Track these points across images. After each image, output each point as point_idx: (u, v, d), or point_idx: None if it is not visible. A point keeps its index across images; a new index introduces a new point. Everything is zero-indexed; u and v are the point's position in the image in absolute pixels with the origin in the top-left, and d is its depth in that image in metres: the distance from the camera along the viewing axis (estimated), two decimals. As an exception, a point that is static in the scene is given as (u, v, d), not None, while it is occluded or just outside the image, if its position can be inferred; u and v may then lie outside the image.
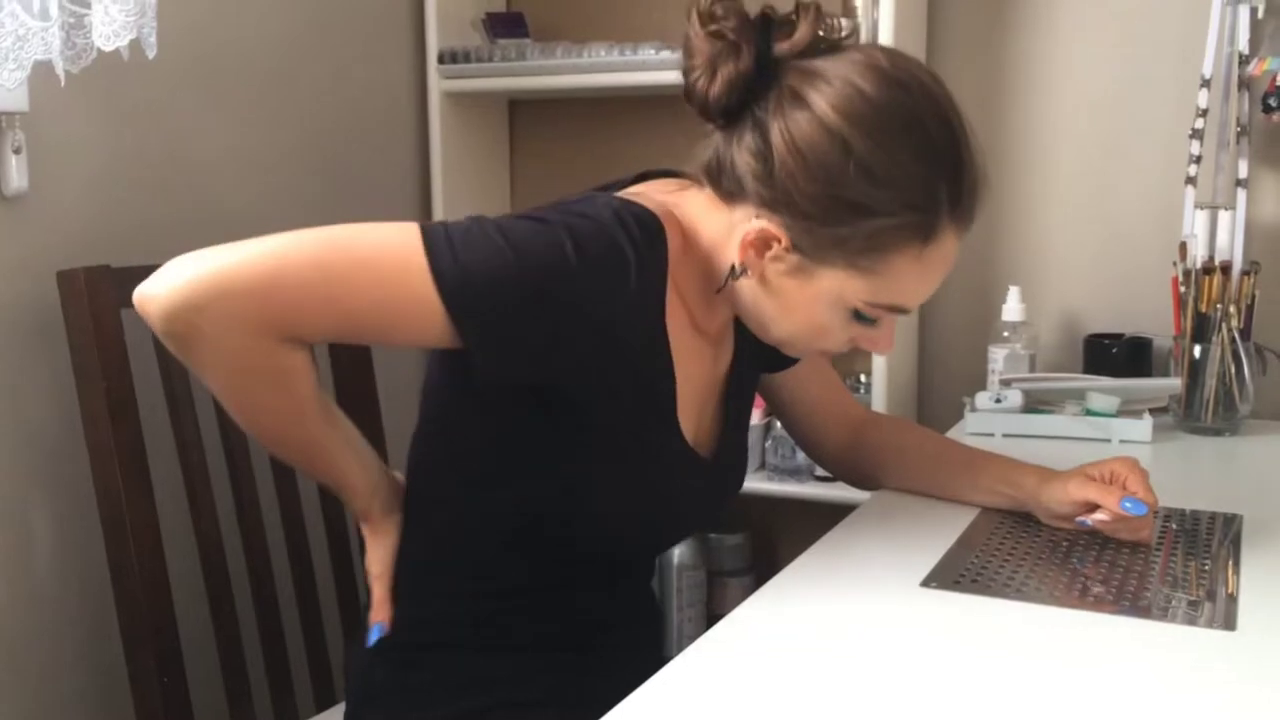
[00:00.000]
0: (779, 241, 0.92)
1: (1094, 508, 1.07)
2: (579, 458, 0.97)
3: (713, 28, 0.92)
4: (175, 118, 1.50)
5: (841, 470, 1.28)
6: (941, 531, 1.11)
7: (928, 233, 0.91)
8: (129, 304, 1.20)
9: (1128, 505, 1.04)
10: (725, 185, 0.95)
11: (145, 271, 1.23)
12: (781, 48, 0.92)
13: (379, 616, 1.02)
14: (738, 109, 0.93)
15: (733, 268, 0.95)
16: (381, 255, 0.87)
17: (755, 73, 0.91)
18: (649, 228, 0.92)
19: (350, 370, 1.48)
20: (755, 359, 1.13)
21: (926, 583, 0.98)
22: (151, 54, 1.24)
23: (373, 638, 1.02)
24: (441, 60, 1.93)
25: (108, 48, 1.19)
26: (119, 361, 1.20)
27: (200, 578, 1.28)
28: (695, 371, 1.03)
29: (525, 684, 1.03)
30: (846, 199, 0.89)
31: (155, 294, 0.86)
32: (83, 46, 1.24)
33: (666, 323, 0.96)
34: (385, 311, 0.88)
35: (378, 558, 1.03)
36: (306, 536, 1.41)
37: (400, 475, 1.07)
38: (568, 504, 0.98)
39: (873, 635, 0.88)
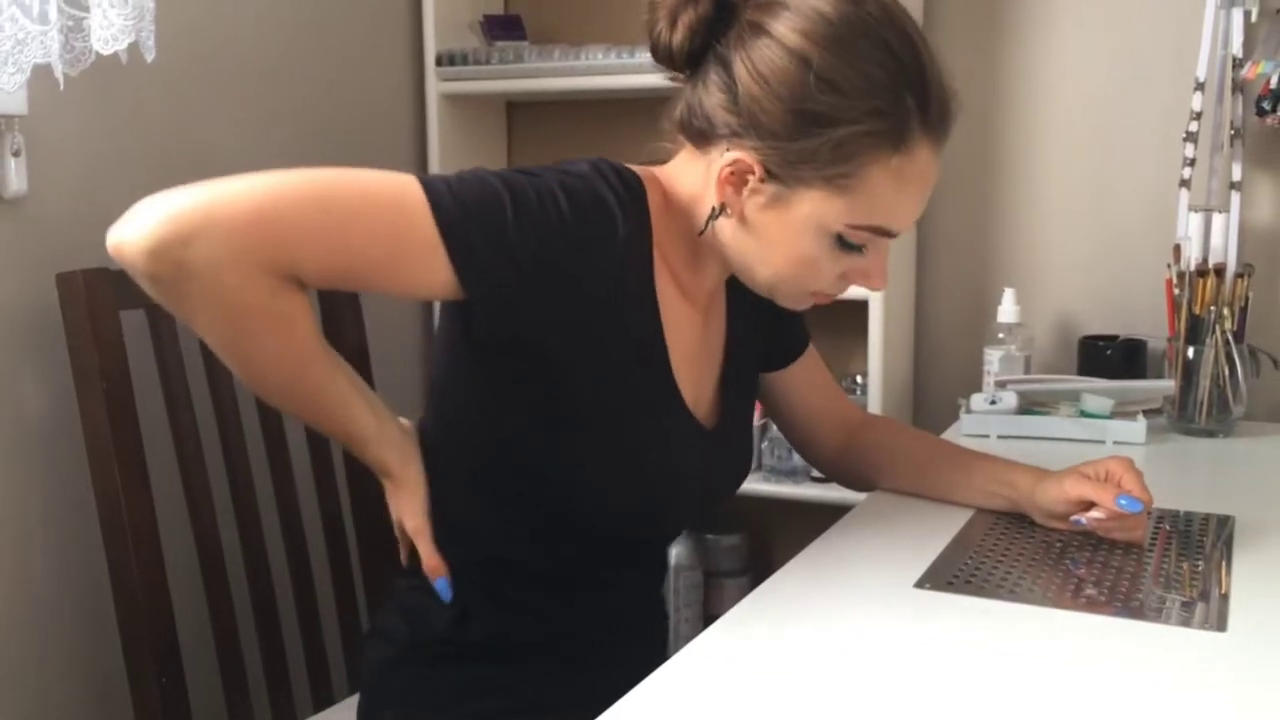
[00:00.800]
0: (753, 173, 0.93)
1: (1089, 506, 1.07)
2: (578, 424, 0.96)
3: None
4: (174, 120, 1.50)
5: (837, 473, 1.29)
6: (936, 532, 1.11)
7: (897, 140, 0.90)
8: (128, 305, 1.23)
9: (1123, 503, 1.05)
10: (697, 127, 0.96)
11: (144, 273, 1.25)
12: None
13: (436, 571, 1.00)
14: (701, 52, 0.95)
15: (714, 209, 0.96)
16: (379, 188, 0.88)
17: (715, 14, 0.94)
18: (628, 180, 0.95)
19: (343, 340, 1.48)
20: (753, 348, 1.13)
21: (920, 584, 0.99)
22: (150, 57, 1.24)
23: (445, 594, 1.00)
24: (439, 62, 1.94)
25: (106, 51, 1.19)
26: (118, 363, 1.20)
27: (199, 578, 1.29)
28: (686, 337, 1.03)
29: (536, 690, 1.04)
30: (810, 111, 0.89)
31: (133, 235, 0.83)
32: (81, 50, 1.25)
33: (658, 291, 0.97)
34: (384, 246, 0.87)
35: (410, 510, 1.00)
36: (305, 537, 1.42)
37: (408, 422, 1.05)
38: (569, 476, 0.98)
39: (866, 636, 0.89)
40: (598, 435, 0.97)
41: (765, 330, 1.17)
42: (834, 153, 0.90)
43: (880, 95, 0.89)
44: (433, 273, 0.88)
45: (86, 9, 1.21)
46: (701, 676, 0.82)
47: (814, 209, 0.93)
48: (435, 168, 1.97)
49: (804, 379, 1.23)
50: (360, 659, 1.13)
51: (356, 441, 0.99)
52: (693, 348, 1.05)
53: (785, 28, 0.90)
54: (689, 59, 0.96)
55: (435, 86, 1.95)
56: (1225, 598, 0.95)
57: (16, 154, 1.28)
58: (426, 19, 1.94)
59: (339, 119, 1.81)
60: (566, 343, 0.94)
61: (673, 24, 0.94)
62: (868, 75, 0.89)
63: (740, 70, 0.92)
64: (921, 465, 1.22)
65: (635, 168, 0.99)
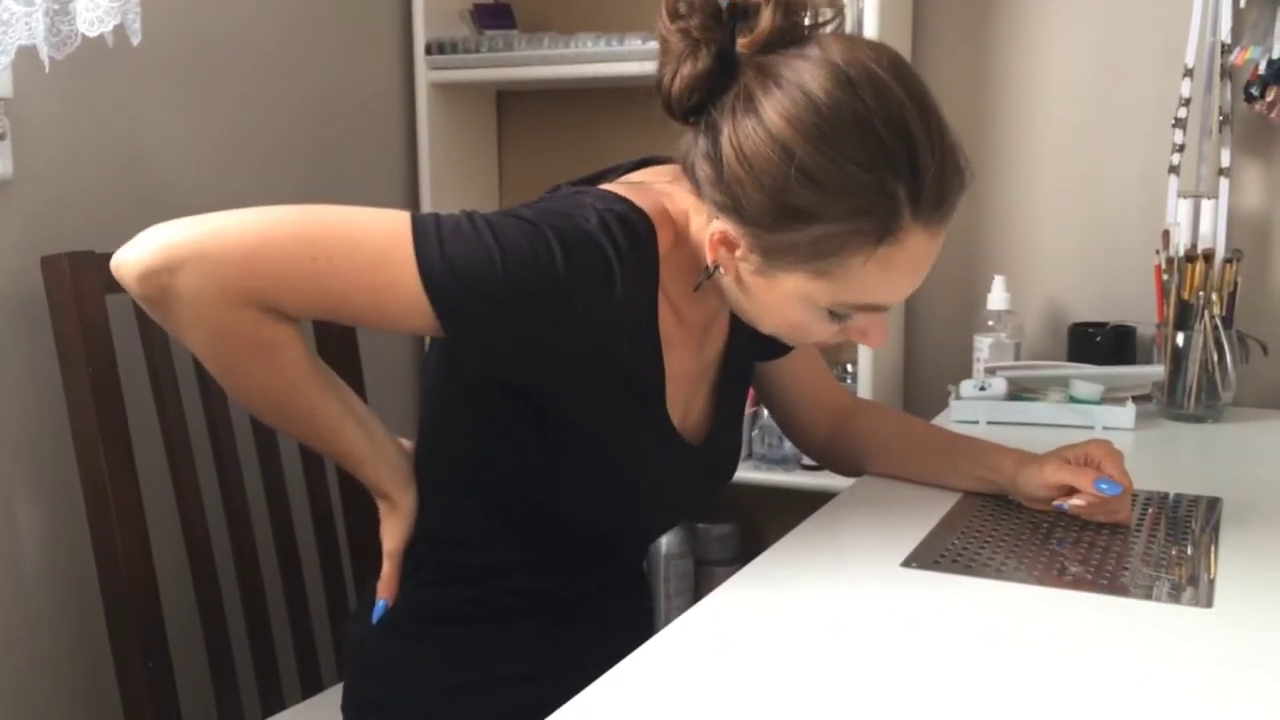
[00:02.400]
0: (738, 245, 0.92)
1: (1071, 491, 1.08)
2: (566, 452, 0.98)
3: (679, 25, 0.90)
4: (161, 104, 1.50)
5: (826, 458, 1.29)
6: (923, 514, 1.11)
7: (883, 233, 0.87)
8: (114, 290, 1.21)
9: (1103, 486, 1.05)
10: (695, 177, 0.94)
11: (130, 258, 1.24)
12: (743, 43, 0.90)
13: (385, 593, 1.02)
14: (699, 108, 0.91)
15: (706, 269, 0.95)
16: (367, 237, 0.87)
17: (716, 71, 0.90)
18: (635, 230, 0.91)
19: (336, 362, 1.48)
20: (751, 345, 1.13)
21: (907, 563, 0.99)
22: (136, 40, 1.24)
23: (377, 614, 1.02)
24: (429, 51, 1.93)
25: (92, 33, 1.19)
26: (103, 347, 1.20)
27: (186, 564, 1.29)
28: (683, 366, 1.03)
29: (520, 658, 1.04)
30: (791, 206, 0.86)
31: (129, 257, 0.86)
32: (67, 33, 1.24)
33: (660, 323, 0.97)
34: (368, 295, 0.87)
35: (392, 534, 1.02)
36: (293, 523, 1.41)
37: (409, 443, 1.06)
38: (555, 496, 0.99)
39: (852, 613, 0.89)
40: (585, 462, 0.98)
41: None
42: (813, 248, 0.88)
43: (864, 193, 0.86)
44: (417, 320, 0.88)
45: (71, -8, 1.20)
46: (685, 654, 0.82)
47: (797, 287, 0.91)
48: (425, 157, 1.97)
49: (800, 365, 1.24)
50: (343, 640, 1.13)
51: (351, 462, 1.00)
52: (690, 370, 1.05)
53: (773, 111, 0.86)
54: (687, 113, 0.92)
55: (425, 75, 1.95)
56: (1211, 577, 0.95)
57: (2, 137, 1.27)
58: (416, 7, 1.93)
59: (328, 107, 1.80)
60: (557, 386, 0.94)
61: (674, 75, 0.91)
62: (851, 173, 0.85)
63: (726, 146, 0.88)
64: (908, 450, 1.22)
65: (648, 202, 0.95)
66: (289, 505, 1.41)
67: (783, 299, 0.93)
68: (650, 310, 0.96)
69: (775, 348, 1.18)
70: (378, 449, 1.01)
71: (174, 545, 1.29)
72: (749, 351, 1.14)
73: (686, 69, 0.90)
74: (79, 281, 1.18)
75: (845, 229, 0.87)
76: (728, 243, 0.93)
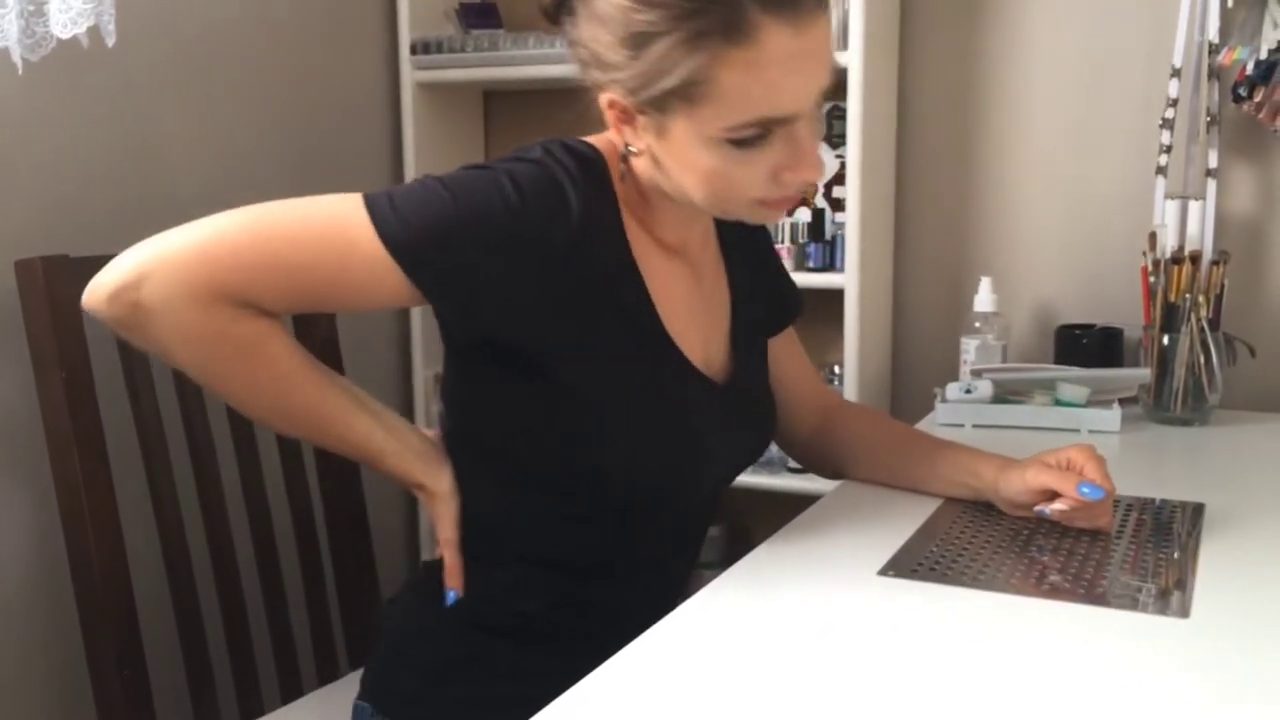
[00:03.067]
0: (628, 110, 0.92)
1: (1052, 496, 1.07)
2: (584, 402, 0.96)
3: None
4: (140, 107, 1.49)
5: (809, 459, 1.28)
6: (904, 520, 1.11)
7: (729, 33, 0.86)
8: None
9: (1085, 490, 1.04)
10: (584, 78, 0.96)
11: (105, 261, 1.23)
12: None
13: (454, 583, 1.01)
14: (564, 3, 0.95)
15: (622, 154, 0.96)
16: (320, 211, 0.90)
17: None
18: (582, 155, 0.95)
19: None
20: (756, 304, 1.14)
21: (884, 571, 0.98)
22: (110, 41, 1.23)
23: (449, 600, 1.01)
24: (414, 51, 1.92)
25: (65, 35, 1.18)
26: (78, 350, 1.19)
27: (162, 569, 1.28)
28: (677, 292, 1.02)
29: (570, 679, 1.04)
30: (635, 33, 0.88)
31: (96, 285, 0.88)
32: (42, 35, 1.23)
33: (631, 247, 0.97)
34: (334, 269, 0.89)
35: (443, 522, 1.01)
36: (272, 527, 1.40)
37: (430, 431, 1.05)
38: (588, 453, 0.97)
39: (826, 623, 0.88)
40: (607, 408, 0.97)
41: (765, 288, 1.17)
42: (676, 74, 0.87)
43: None
44: (385, 284, 0.90)
45: (45, -7, 1.19)
46: (656, 665, 0.81)
47: (687, 125, 0.90)
48: (411, 157, 1.96)
49: (786, 353, 1.22)
50: (381, 625, 1.13)
51: (372, 456, 0.99)
52: (689, 303, 1.04)
53: None
54: (553, 11, 0.96)
55: (410, 75, 1.94)
56: (1186, 585, 0.95)
57: (-25, 140, 1.26)
58: (401, 7, 1.92)
59: (313, 107, 1.79)
60: (549, 333, 0.94)
61: None
62: None
63: (581, 15, 0.92)
64: (888, 454, 1.21)
65: (595, 139, 0.99)
66: (268, 508, 1.40)
67: (686, 152, 0.92)
68: (616, 228, 0.97)
69: (775, 316, 1.18)
70: (397, 437, 1.00)
71: (151, 550, 1.28)
72: (755, 305, 1.14)
73: None
74: (53, 285, 1.17)
75: (688, 36, 0.86)
76: (621, 113, 0.94)
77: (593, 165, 0.96)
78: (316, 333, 1.45)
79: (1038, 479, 1.07)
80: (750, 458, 1.14)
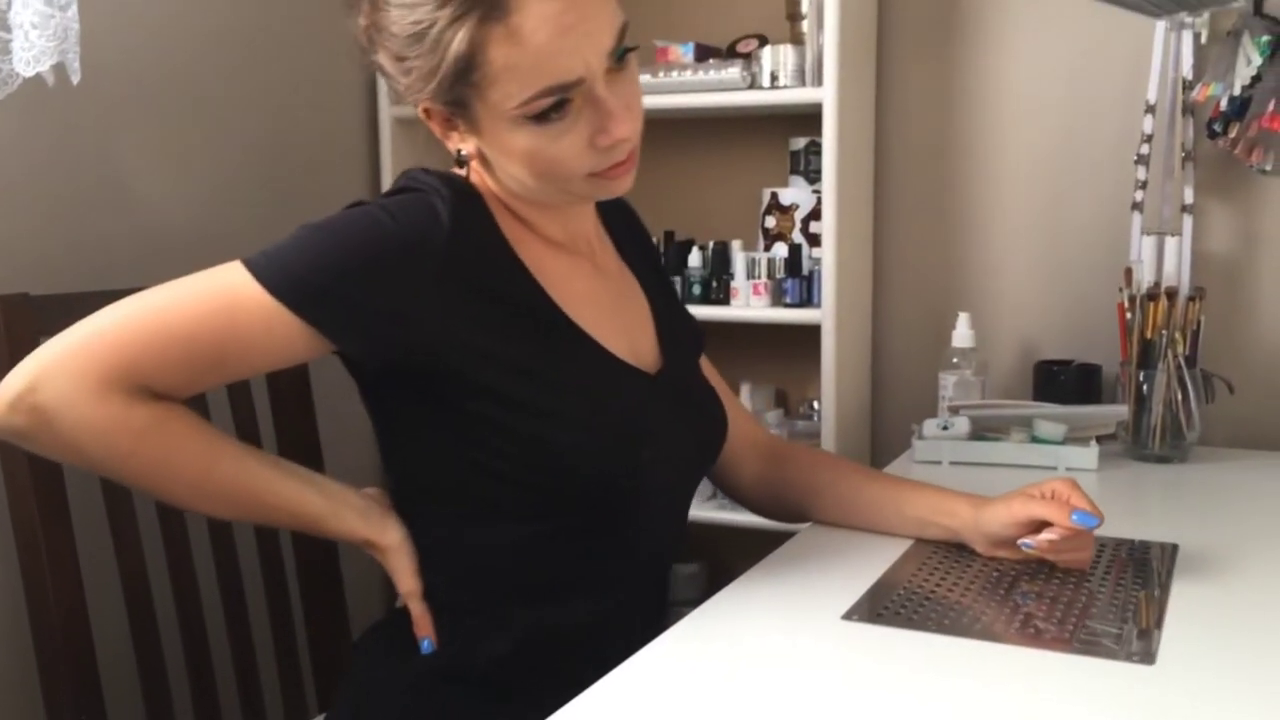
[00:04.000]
0: (437, 110, 0.96)
1: (1037, 529, 1.05)
2: (513, 406, 0.96)
3: None
4: (106, 143, 1.48)
5: (756, 501, 1.26)
6: (872, 563, 1.09)
7: (487, 10, 0.89)
8: (49, 332, 1.19)
9: (1078, 518, 1.03)
10: (409, 101, 0.99)
11: (65, 300, 1.22)
12: None
13: (424, 632, 1.00)
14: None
15: (455, 160, 1.00)
16: (197, 280, 0.93)
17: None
18: (444, 174, 0.99)
19: (291, 423, 1.46)
20: (672, 308, 1.17)
21: (848, 615, 0.96)
22: (76, 79, 1.22)
23: (425, 649, 1.00)
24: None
25: (28, 73, 1.17)
26: (37, 391, 1.17)
27: (123, 612, 1.25)
28: (581, 286, 1.04)
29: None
30: (409, 36, 0.92)
31: None
32: (8, 73, 1.23)
33: (515, 249, 0.99)
34: (220, 328, 0.90)
35: (400, 576, 1.00)
36: (239, 565, 1.38)
37: (371, 490, 1.05)
38: (532, 454, 0.96)
39: (781, 671, 0.86)
40: (530, 405, 0.96)
41: (675, 314, 1.18)
42: (441, 54, 0.91)
43: None
44: (276, 332, 0.91)
45: (11, 31, 1.19)
46: (613, 713, 0.79)
47: (486, 113, 0.94)
48: (388, 192, 1.95)
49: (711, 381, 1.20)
50: (348, 672, 1.10)
51: (310, 521, 0.98)
52: (597, 296, 1.05)
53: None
54: (369, 43, 1.00)
55: (388, 111, 1.94)
56: (1151, 630, 0.93)
57: (-61, 178, 1.25)
58: (379, 43, 1.92)
59: (287, 144, 1.79)
60: (443, 336, 0.94)
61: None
62: None
63: (377, 39, 0.96)
64: (845, 503, 1.19)
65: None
66: (235, 547, 1.38)
67: (500, 140, 0.95)
68: (490, 230, 0.99)
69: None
70: (332, 497, 0.99)
71: (112, 592, 1.25)
72: (672, 308, 1.17)
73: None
74: (12, 324, 1.16)
75: (449, 20, 0.90)
76: (441, 121, 0.98)
77: (455, 179, 0.99)
78: (298, 426, 1.44)
79: (1025, 510, 1.06)
80: (703, 454, 1.13)
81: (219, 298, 0.91)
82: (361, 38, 0.98)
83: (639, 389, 1.03)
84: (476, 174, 1.02)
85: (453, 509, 1.01)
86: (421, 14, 0.91)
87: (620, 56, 0.94)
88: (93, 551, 1.23)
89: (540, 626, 1.02)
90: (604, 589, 1.04)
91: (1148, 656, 0.87)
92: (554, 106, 0.91)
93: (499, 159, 0.97)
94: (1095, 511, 1.04)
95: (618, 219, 1.19)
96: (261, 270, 0.91)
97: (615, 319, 1.06)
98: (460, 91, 0.93)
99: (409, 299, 0.92)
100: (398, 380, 0.97)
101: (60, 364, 0.89)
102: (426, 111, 0.98)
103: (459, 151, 0.99)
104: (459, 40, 0.89)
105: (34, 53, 1.17)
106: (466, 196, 0.98)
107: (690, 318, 1.22)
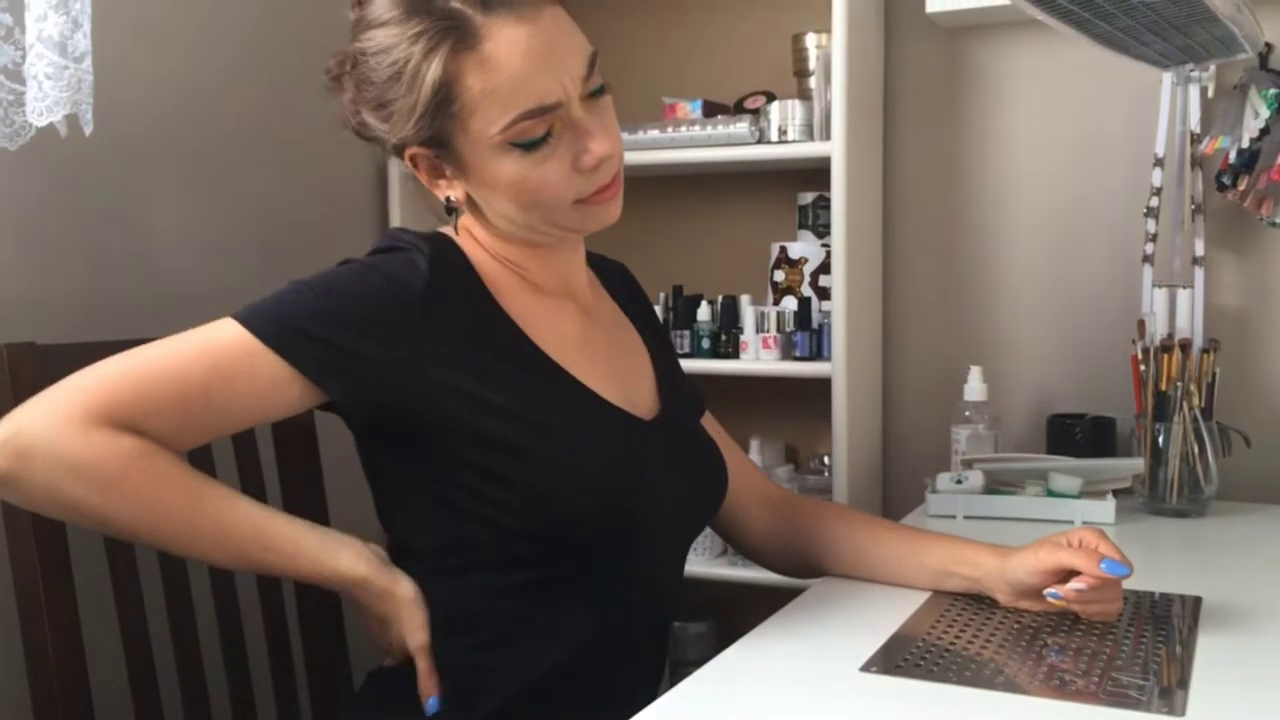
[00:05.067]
0: (423, 154, 0.99)
1: (1065, 578, 1.03)
2: (507, 451, 0.95)
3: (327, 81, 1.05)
4: (115, 194, 1.48)
5: (768, 556, 1.24)
6: (890, 614, 1.07)
7: (457, 41, 0.93)
8: (54, 381, 1.18)
9: (1107, 566, 1.00)
10: (391, 153, 1.02)
11: (71, 349, 1.21)
12: None
13: (431, 691, 0.98)
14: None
15: (446, 208, 1.02)
16: (189, 332, 0.95)
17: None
18: (422, 232, 1.02)
19: (295, 468, 1.44)
20: (672, 361, 1.18)
21: (866, 667, 0.94)
22: (88, 130, 1.23)
23: (433, 708, 0.98)
24: (401, 143, 1.93)
25: (40, 123, 1.17)
26: (41, 440, 1.16)
27: (123, 665, 1.23)
28: (568, 331, 1.04)
29: None
30: (387, 79, 0.95)
31: None
32: (21, 124, 1.23)
33: (497, 296, 1.00)
34: (206, 372, 0.91)
35: (416, 627, 0.98)
36: (243, 629, 1.35)
37: (374, 545, 1.03)
38: (519, 501, 0.95)
39: (804, 723, 0.84)
40: (521, 454, 0.95)
41: (675, 372, 1.18)
42: (417, 88, 0.94)
43: (406, 24, 0.94)
44: (261, 377, 0.93)
45: (25, 83, 1.19)
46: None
47: (469, 145, 0.96)
48: (397, 248, 1.95)
49: (725, 453, 1.18)
50: None
51: (306, 562, 0.96)
52: (586, 342, 1.05)
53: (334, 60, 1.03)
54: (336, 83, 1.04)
55: (397, 165, 1.94)
56: (1186, 682, 0.90)
57: (-52, 227, 1.25)
58: (389, 100, 1.93)
59: (296, 198, 1.79)
60: (428, 383, 0.94)
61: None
62: (387, 25, 0.95)
63: (353, 92, 1.01)
64: (861, 555, 1.17)
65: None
66: (238, 604, 1.35)
67: (485, 173, 0.97)
68: (469, 279, 1.00)
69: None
70: (327, 536, 0.98)
71: (111, 642, 1.23)
72: (672, 361, 1.18)
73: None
74: (17, 372, 1.15)
75: (422, 54, 0.93)
76: (428, 169, 1.00)
77: (435, 236, 1.02)
78: (303, 483, 1.43)
79: (1053, 558, 1.03)
80: (702, 503, 1.11)
81: (206, 342, 0.93)
82: (348, 110, 1.02)
83: (631, 433, 1.02)
84: (466, 221, 1.04)
85: (447, 561, 1.00)
86: (397, 54, 0.94)
87: (596, 93, 0.98)
88: (92, 601, 1.21)
89: (536, 679, 1.00)
90: (601, 641, 1.02)
91: (1177, 709, 0.85)
92: (534, 134, 0.94)
93: (486, 196, 1.00)
94: (1125, 561, 1.01)
95: (617, 281, 1.20)
96: (247, 315, 0.94)
97: (607, 364, 1.05)
98: (442, 125, 0.95)
99: (390, 344, 0.94)
100: (387, 432, 0.97)
101: (45, 408, 0.90)
102: (413, 160, 1.00)
103: (448, 199, 1.01)
104: (434, 70, 0.93)
105: (47, 103, 1.17)
106: (445, 249, 1.00)
107: (690, 382, 1.22)
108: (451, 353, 0.95)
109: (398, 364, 0.94)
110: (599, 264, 1.20)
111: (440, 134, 0.96)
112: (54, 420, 0.89)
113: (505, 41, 0.93)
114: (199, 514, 0.93)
